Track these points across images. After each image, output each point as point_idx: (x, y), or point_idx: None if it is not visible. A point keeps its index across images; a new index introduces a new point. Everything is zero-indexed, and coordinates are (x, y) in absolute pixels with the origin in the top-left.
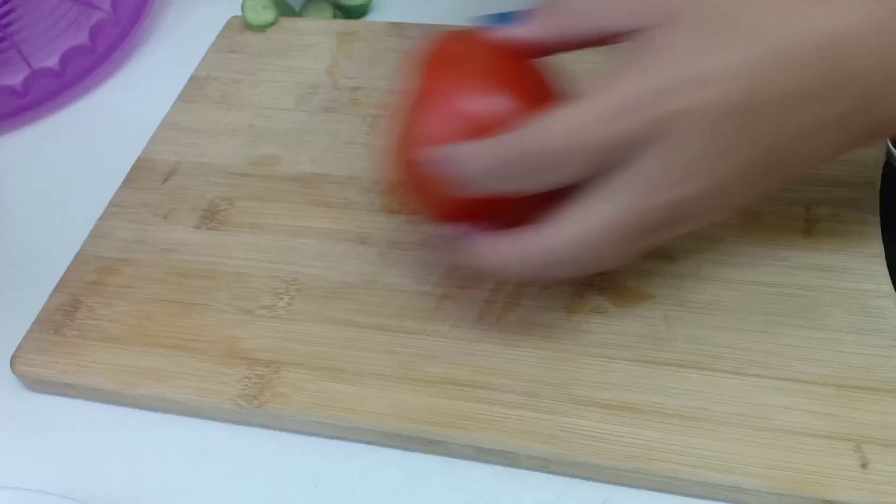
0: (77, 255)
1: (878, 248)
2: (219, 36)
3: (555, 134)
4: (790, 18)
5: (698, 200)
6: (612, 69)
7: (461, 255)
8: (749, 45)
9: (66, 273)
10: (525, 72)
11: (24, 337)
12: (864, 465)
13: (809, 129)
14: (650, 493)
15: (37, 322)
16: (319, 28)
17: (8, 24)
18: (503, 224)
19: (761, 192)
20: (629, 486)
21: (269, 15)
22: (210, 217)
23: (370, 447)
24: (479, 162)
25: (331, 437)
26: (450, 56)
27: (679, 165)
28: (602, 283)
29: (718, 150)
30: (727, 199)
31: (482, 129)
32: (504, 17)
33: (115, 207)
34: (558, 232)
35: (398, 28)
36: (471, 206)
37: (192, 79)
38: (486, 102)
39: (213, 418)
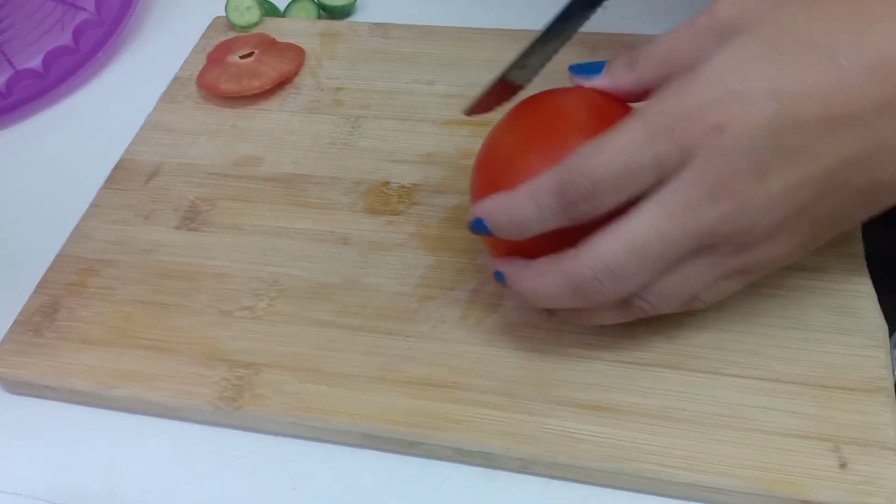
0: (58, 256)
1: (857, 248)
2: (203, 36)
3: (599, 160)
4: (839, 37)
5: (742, 222)
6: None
7: (510, 282)
8: (781, 67)
9: (46, 274)
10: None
11: (3, 338)
12: (842, 466)
13: (879, 147)
14: (629, 493)
15: (16, 323)
16: (303, 28)
17: None
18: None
19: (850, 217)
20: (608, 486)
21: (252, 15)
22: (191, 218)
23: (349, 449)
24: (525, 207)
25: (310, 439)
26: (540, 107)
27: (714, 182)
28: None
29: (758, 167)
30: (796, 226)
31: None
32: (593, 67)
33: (96, 208)
34: (584, 251)
35: (382, 29)
36: (527, 243)
37: (176, 79)
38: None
39: (193, 420)
